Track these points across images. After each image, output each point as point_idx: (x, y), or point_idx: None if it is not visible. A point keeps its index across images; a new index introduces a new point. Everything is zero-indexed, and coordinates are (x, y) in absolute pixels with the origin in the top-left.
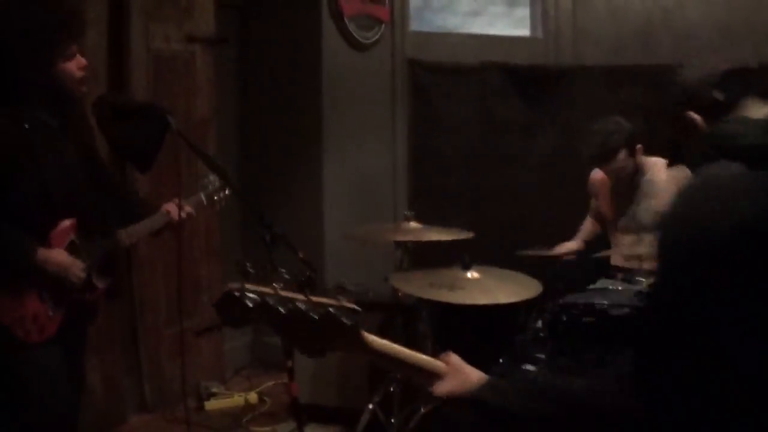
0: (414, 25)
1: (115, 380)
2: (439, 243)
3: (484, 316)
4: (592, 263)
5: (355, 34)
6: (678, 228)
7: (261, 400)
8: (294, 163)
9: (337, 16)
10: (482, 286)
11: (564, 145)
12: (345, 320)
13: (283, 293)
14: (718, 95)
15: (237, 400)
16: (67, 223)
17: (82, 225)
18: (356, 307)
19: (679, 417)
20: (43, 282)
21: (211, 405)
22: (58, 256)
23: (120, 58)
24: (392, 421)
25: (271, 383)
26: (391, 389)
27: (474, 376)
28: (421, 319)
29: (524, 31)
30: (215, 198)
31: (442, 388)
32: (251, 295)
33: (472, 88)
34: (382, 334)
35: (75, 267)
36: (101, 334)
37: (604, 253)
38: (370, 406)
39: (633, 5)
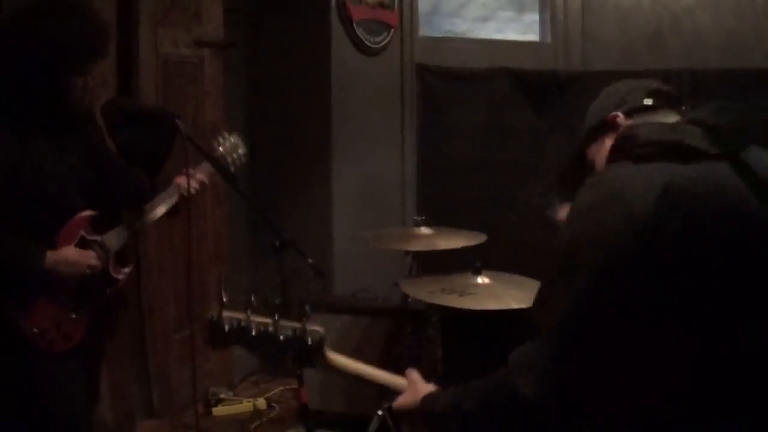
0: (423, 30)
1: (123, 386)
2: (449, 248)
3: (494, 321)
4: None
5: (363, 39)
6: (576, 226)
7: (269, 406)
8: (303, 167)
9: (346, 21)
10: (493, 292)
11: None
12: (308, 340)
13: (254, 318)
14: (647, 101)
15: (245, 406)
16: (75, 218)
17: (94, 220)
18: (320, 329)
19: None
20: (58, 286)
21: (219, 411)
22: (66, 253)
23: (128, 63)
24: (401, 428)
25: (279, 389)
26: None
27: (424, 390)
28: (431, 325)
29: (533, 37)
30: (229, 160)
31: (397, 402)
32: (227, 320)
33: (480, 93)
34: (391, 340)
35: (85, 258)
36: (109, 339)
37: None
38: (380, 413)
39: (642, 11)
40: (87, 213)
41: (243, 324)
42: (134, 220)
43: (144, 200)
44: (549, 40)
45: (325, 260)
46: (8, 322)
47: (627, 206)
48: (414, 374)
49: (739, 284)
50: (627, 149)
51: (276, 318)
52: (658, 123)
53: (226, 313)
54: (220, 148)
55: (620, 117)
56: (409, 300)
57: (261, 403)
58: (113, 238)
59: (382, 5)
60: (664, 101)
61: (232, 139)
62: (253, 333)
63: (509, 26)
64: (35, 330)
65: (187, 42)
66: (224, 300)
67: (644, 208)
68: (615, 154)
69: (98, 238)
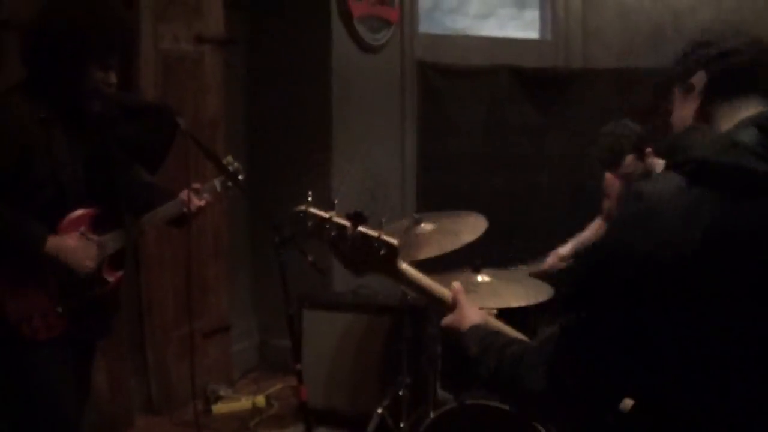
0: (423, 27)
1: (121, 382)
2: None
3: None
4: None
5: (364, 36)
6: (612, 237)
7: (269, 403)
8: (303, 164)
9: (347, 18)
10: (492, 290)
11: (573, 147)
12: (382, 247)
13: (336, 219)
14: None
15: (244, 403)
16: (78, 213)
17: (96, 218)
18: (395, 242)
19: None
20: (52, 273)
21: (218, 408)
22: (69, 241)
23: (129, 58)
24: (401, 425)
25: (278, 386)
26: (400, 393)
27: (472, 316)
28: (431, 322)
29: (534, 34)
30: (229, 184)
31: (445, 320)
32: (310, 217)
33: (481, 90)
34: (391, 338)
35: (87, 251)
36: (101, 337)
37: None
38: (379, 411)
39: (643, 8)
40: (90, 210)
41: (324, 223)
42: (134, 227)
43: (148, 208)
44: (549, 37)
45: (325, 257)
46: None
47: (666, 234)
48: (461, 295)
49: None
50: (680, 162)
51: (354, 222)
52: (717, 136)
53: (311, 209)
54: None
55: (698, 85)
56: (409, 297)
57: (260, 400)
58: (111, 241)
59: (382, 1)
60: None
61: (235, 164)
62: (333, 233)
63: (510, 23)
64: (21, 317)
65: (187, 37)
66: (309, 198)
67: (686, 243)
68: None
69: (96, 237)
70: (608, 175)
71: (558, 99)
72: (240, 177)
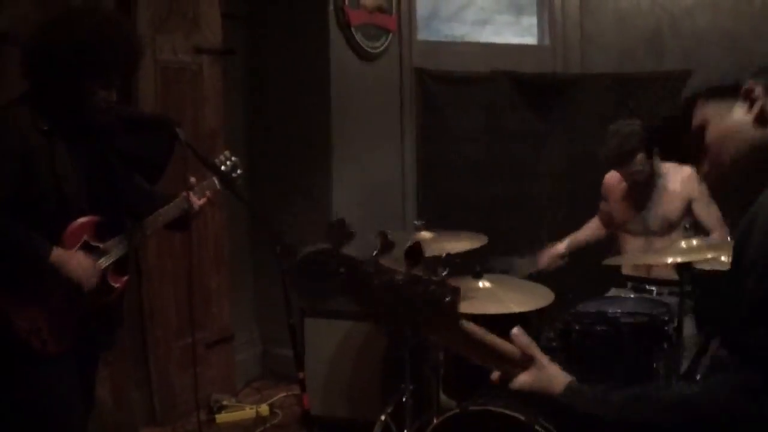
0: (421, 35)
1: (124, 392)
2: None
3: (495, 325)
4: (603, 270)
5: (362, 44)
6: None
7: (272, 412)
8: (302, 173)
9: (345, 26)
10: (494, 296)
11: (573, 152)
12: (447, 293)
13: (381, 263)
14: None
15: (248, 412)
16: (81, 221)
17: (99, 225)
18: (458, 286)
19: None
20: (54, 286)
21: (221, 418)
22: (76, 255)
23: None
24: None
25: (282, 395)
26: (404, 400)
27: (560, 377)
28: None
29: (532, 40)
30: (228, 179)
31: (519, 382)
32: (341, 261)
33: (479, 96)
34: (393, 345)
35: (91, 268)
36: (105, 349)
37: (613, 261)
38: (383, 418)
39: (641, 12)
40: (93, 218)
41: (364, 268)
42: (136, 233)
43: (148, 213)
44: (547, 42)
45: None
46: (2, 320)
47: None
48: (537, 351)
49: None
50: None
51: (409, 266)
52: None
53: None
54: (222, 167)
55: (758, 90)
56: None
57: (264, 409)
58: (115, 247)
59: (380, 9)
60: None
61: (233, 159)
62: (376, 282)
63: (507, 29)
64: (29, 330)
65: (185, 48)
66: (335, 220)
67: None
68: None
69: (100, 244)
70: (609, 179)
71: (557, 104)
72: (240, 172)
